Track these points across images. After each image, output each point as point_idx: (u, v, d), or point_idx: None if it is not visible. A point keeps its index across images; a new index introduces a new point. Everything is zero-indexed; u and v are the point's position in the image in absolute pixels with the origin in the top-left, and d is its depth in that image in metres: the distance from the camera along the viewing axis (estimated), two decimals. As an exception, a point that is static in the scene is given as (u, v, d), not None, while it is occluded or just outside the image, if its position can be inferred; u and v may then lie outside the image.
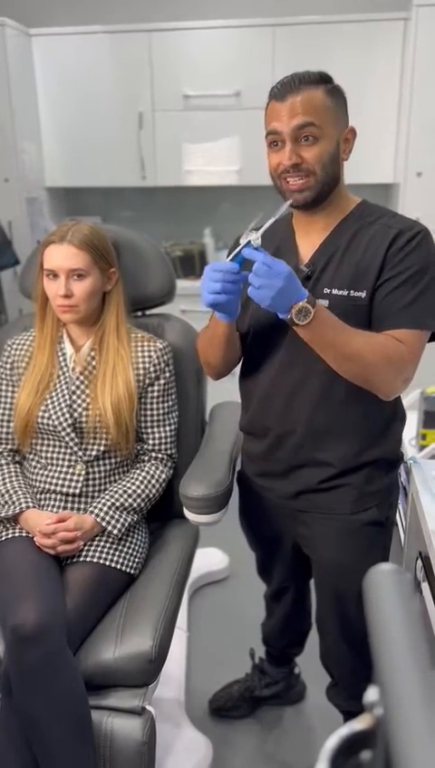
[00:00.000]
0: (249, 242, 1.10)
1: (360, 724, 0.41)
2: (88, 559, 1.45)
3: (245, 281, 1.12)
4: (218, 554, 2.47)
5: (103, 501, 1.50)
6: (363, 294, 1.20)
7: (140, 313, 1.77)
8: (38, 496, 1.55)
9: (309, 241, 1.28)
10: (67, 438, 1.52)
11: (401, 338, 1.18)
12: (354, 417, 1.27)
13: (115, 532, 1.48)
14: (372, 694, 0.40)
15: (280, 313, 1.13)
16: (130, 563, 1.50)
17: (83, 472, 1.53)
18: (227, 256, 1.18)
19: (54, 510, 1.51)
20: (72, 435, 1.51)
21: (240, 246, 1.11)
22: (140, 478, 1.57)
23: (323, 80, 1.18)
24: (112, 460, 1.56)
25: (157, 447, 1.61)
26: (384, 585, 0.43)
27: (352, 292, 1.20)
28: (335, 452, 1.29)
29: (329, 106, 1.17)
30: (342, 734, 0.41)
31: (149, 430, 1.60)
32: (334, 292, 1.21)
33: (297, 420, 1.29)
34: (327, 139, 1.17)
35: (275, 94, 1.18)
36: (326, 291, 1.22)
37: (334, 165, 1.20)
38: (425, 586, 1.47)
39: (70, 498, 1.53)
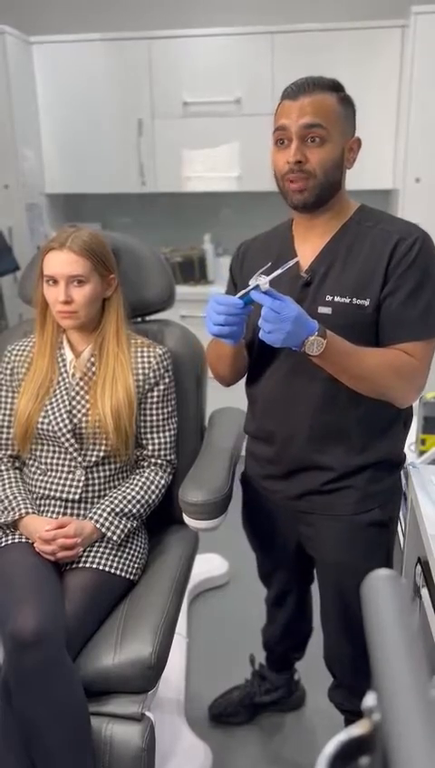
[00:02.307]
0: (257, 286, 1.11)
1: (358, 729, 0.42)
2: (87, 565, 1.45)
3: (248, 313, 1.16)
4: (218, 560, 2.47)
5: (103, 507, 1.50)
6: (367, 302, 1.21)
7: (139, 319, 1.77)
8: (38, 502, 1.55)
9: (309, 247, 1.28)
10: (67, 444, 1.52)
11: (411, 350, 1.20)
12: (356, 420, 1.28)
13: (115, 538, 1.48)
14: (370, 699, 0.40)
15: (293, 347, 1.14)
16: (130, 569, 1.50)
17: (83, 478, 1.53)
18: (227, 290, 1.18)
19: (54, 516, 1.51)
20: (72, 440, 1.51)
21: (249, 288, 1.13)
22: (140, 484, 1.57)
23: (336, 87, 1.21)
24: (112, 466, 1.56)
25: (156, 453, 1.62)
26: (382, 591, 0.43)
27: (355, 299, 1.21)
28: (337, 455, 1.30)
29: (339, 112, 1.19)
30: (340, 740, 0.42)
31: (149, 436, 1.61)
32: (337, 299, 1.22)
33: (300, 425, 1.30)
34: (333, 144, 1.19)
35: (288, 94, 1.20)
36: (329, 298, 1.23)
37: (337, 171, 1.21)
38: (424, 592, 1.47)
39: (69, 504, 1.53)
